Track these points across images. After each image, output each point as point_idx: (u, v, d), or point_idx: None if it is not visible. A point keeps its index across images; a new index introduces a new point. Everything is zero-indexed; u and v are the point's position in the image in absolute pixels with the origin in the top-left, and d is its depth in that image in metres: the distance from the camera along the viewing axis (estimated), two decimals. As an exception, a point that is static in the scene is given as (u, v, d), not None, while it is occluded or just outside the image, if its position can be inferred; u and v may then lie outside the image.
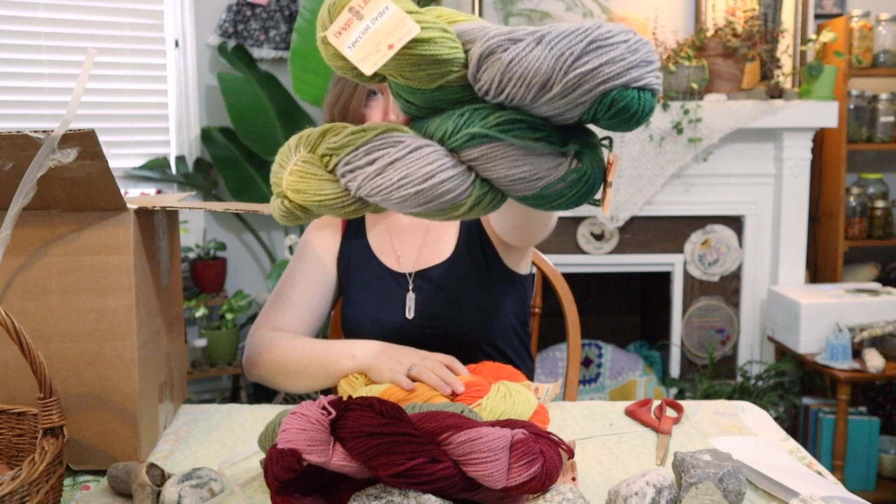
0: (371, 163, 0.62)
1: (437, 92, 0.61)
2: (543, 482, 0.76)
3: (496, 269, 1.27)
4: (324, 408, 0.74)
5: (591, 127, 0.64)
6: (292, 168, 0.64)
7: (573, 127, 0.61)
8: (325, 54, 0.61)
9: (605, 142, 0.64)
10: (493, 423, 0.81)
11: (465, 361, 1.12)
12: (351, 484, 0.77)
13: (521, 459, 0.75)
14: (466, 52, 0.59)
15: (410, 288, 1.26)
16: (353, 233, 1.33)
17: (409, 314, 1.24)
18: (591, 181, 0.62)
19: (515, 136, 0.59)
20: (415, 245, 1.29)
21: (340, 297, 1.35)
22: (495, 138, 0.59)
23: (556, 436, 0.82)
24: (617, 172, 2.69)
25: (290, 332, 1.23)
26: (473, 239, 1.27)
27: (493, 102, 0.60)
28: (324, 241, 1.33)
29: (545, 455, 0.77)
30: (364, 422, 0.73)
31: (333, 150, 0.64)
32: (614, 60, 0.55)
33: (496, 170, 0.61)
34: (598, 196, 0.64)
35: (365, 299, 1.28)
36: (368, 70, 0.56)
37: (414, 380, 1.02)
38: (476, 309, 1.24)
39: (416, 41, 0.56)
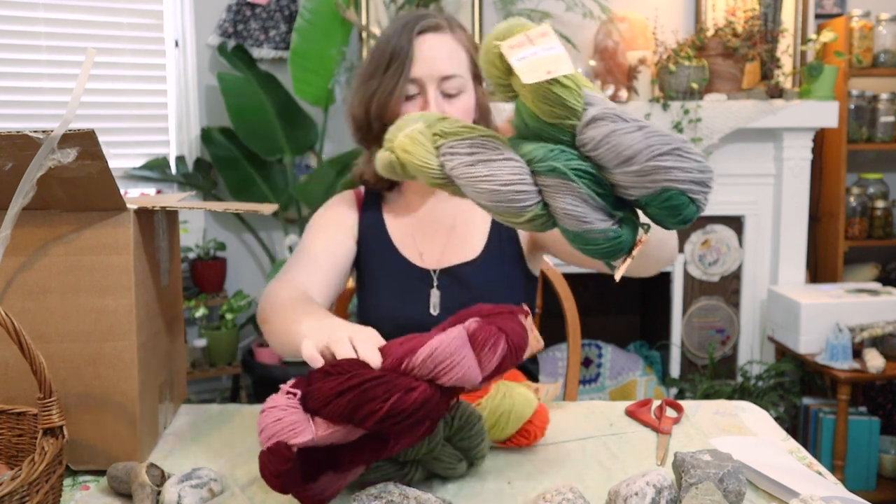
0: (470, 154, 0.76)
1: (548, 126, 0.73)
2: (516, 355, 0.77)
3: (519, 271, 1.29)
4: (288, 392, 0.74)
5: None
6: (408, 132, 0.79)
7: (628, 204, 0.74)
8: (487, 57, 0.75)
9: (645, 225, 0.76)
10: (442, 327, 0.81)
11: None
12: (350, 446, 0.76)
13: (484, 347, 0.76)
14: (584, 109, 0.72)
15: (435, 285, 1.26)
16: (371, 220, 1.32)
17: (435, 311, 1.24)
18: (622, 245, 0.73)
19: (584, 183, 0.72)
20: (438, 242, 1.29)
21: (354, 274, 1.34)
22: (569, 178, 0.72)
23: (506, 305, 0.82)
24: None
25: (304, 287, 1.17)
26: (504, 240, 1.28)
27: (584, 154, 0.73)
28: (344, 215, 1.32)
29: (505, 330, 0.77)
30: (328, 386, 0.73)
31: (445, 133, 0.79)
32: (686, 169, 0.68)
33: (558, 200, 0.73)
34: (617, 262, 0.76)
35: (385, 292, 1.28)
36: (527, 80, 0.69)
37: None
38: None
39: (559, 83, 0.70)
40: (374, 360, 0.77)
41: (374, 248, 1.30)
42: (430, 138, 0.79)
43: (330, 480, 0.77)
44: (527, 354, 0.89)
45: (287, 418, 0.72)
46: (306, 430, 0.72)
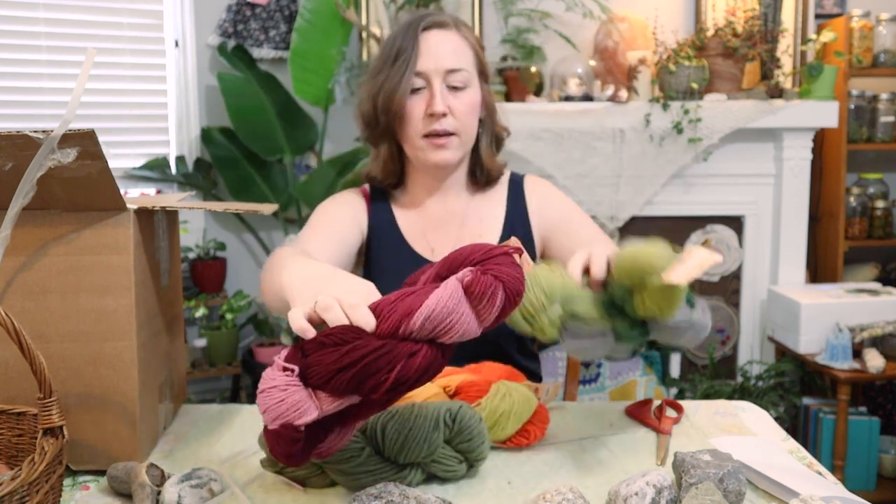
0: (588, 339, 0.92)
1: (633, 314, 0.92)
2: (514, 301, 0.75)
3: None
4: (284, 369, 0.71)
5: None
6: (552, 318, 0.90)
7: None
8: (624, 269, 0.90)
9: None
10: (436, 274, 0.78)
11: (484, 359, 1.12)
12: (355, 404, 0.75)
13: (482, 299, 0.73)
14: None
15: None
16: (380, 215, 1.33)
17: None
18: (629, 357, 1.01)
19: (644, 352, 1.06)
20: (450, 238, 1.29)
21: (360, 260, 1.34)
22: (639, 354, 1.03)
23: (499, 247, 0.78)
24: (618, 172, 2.70)
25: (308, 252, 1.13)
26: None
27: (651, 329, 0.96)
28: (353, 206, 1.32)
29: (502, 279, 0.74)
30: (327, 360, 0.70)
31: (575, 315, 0.91)
32: (701, 340, 0.98)
33: (620, 353, 0.98)
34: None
35: (396, 287, 1.28)
36: (684, 282, 0.84)
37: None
38: None
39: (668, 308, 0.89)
40: (368, 324, 0.73)
41: (384, 243, 1.30)
42: (560, 317, 0.91)
43: (337, 435, 0.76)
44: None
45: (289, 398, 0.69)
46: (310, 409, 0.70)
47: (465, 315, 0.73)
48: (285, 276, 0.87)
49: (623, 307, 0.92)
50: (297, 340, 0.74)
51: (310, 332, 0.73)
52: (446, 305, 0.72)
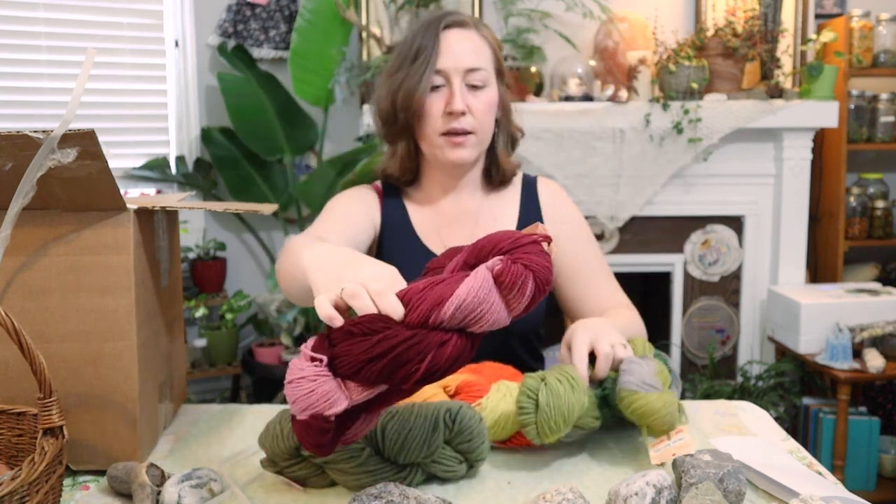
0: (571, 437, 0.98)
1: (619, 413, 1.00)
2: (543, 290, 0.74)
3: None
4: (312, 359, 0.70)
5: None
6: (561, 436, 0.93)
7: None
8: (626, 410, 0.96)
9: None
10: (464, 261, 0.77)
11: (491, 357, 1.12)
12: (382, 392, 0.74)
13: (512, 289, 0.73)
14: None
15: None
16: (394, 211, 1.33)
17: None
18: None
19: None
20: (464, 235, 1.29)
21: (371, 256, 1.34)
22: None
23: (527, 235, 0.76)
24: (618, 172, 2.70)
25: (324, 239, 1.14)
26: None
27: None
28: (366, 201, 1.33)
29: (532, 268, 0.73)
30: (356, 350, 0.69)
31: (580, 425, 0.96)
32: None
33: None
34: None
35: (406, 282, 1.28)
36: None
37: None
38: None
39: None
40: (396, 312, 0.71)
41: (397, 239, 1.31)
42: (567, 433, 0.95)
43: (364, 422, 0.76)
44: None
45: (319, 389, 0.69)
46: (340, 399, 0.69)
47: (495, 304, 0.72)
48: (306, 261, 0.86)
49: (611, 404, 1.00)
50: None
51: (337, 320, 0.72)
52: (477, 295, 0.71)
